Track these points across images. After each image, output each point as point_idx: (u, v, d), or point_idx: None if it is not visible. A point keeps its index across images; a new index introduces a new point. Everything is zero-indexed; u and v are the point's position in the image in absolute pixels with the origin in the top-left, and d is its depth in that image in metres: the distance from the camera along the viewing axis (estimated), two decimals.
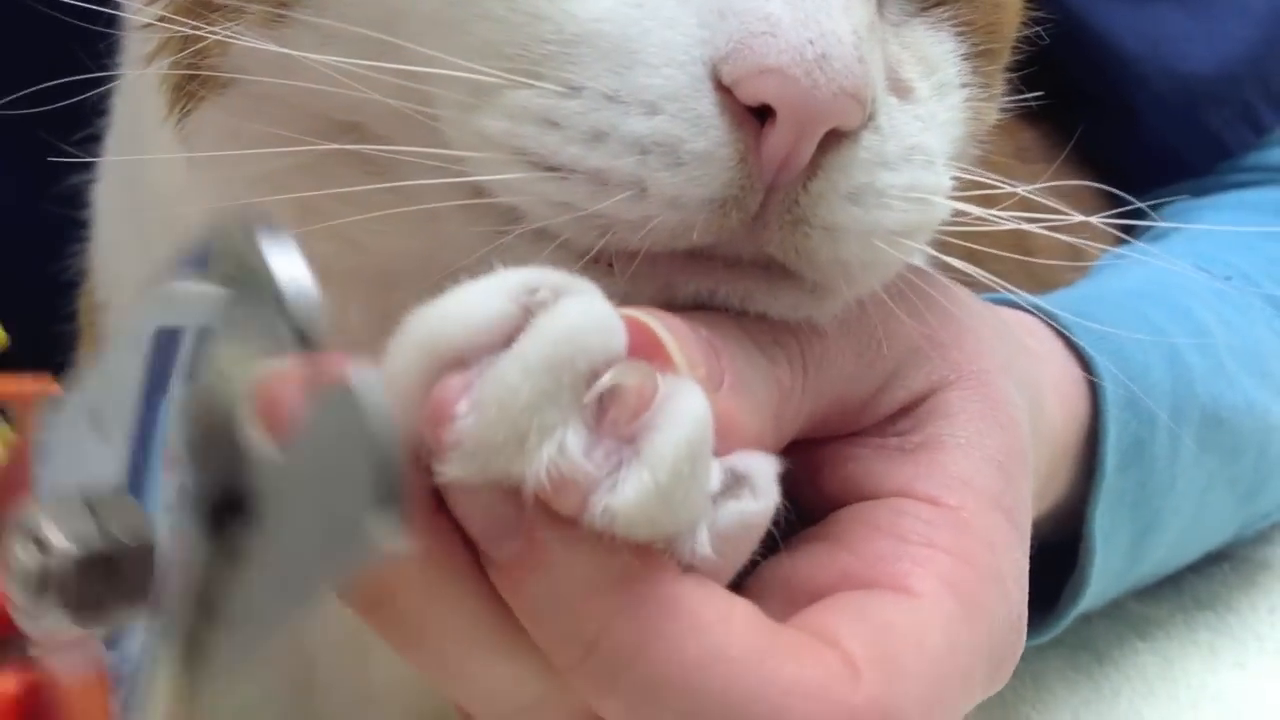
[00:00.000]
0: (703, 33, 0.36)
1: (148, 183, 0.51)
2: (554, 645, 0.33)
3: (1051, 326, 0.53)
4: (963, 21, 0.43)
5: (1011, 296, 0.48)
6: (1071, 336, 0.53)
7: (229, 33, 0.40)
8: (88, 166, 0.57)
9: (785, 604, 0.36)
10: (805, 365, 0.39)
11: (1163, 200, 0.85)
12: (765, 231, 0.37)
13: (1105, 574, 0.56)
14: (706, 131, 0.36)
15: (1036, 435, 0.46)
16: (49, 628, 0.29)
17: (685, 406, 0.32)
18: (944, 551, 0.38)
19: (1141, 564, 0.60)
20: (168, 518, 0.29)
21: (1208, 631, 0.68)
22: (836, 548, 0.38)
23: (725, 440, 0.34)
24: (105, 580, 0.29)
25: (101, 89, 0.47)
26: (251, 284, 0.29)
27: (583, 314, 0.32)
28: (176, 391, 0.30)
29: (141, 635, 0.29)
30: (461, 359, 0.32)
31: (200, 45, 0.41)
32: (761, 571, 0.38)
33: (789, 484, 0.40)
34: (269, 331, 0.28)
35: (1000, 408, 0.42)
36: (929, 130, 0.41)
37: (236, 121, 0.42)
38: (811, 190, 0.37)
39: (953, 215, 0.42)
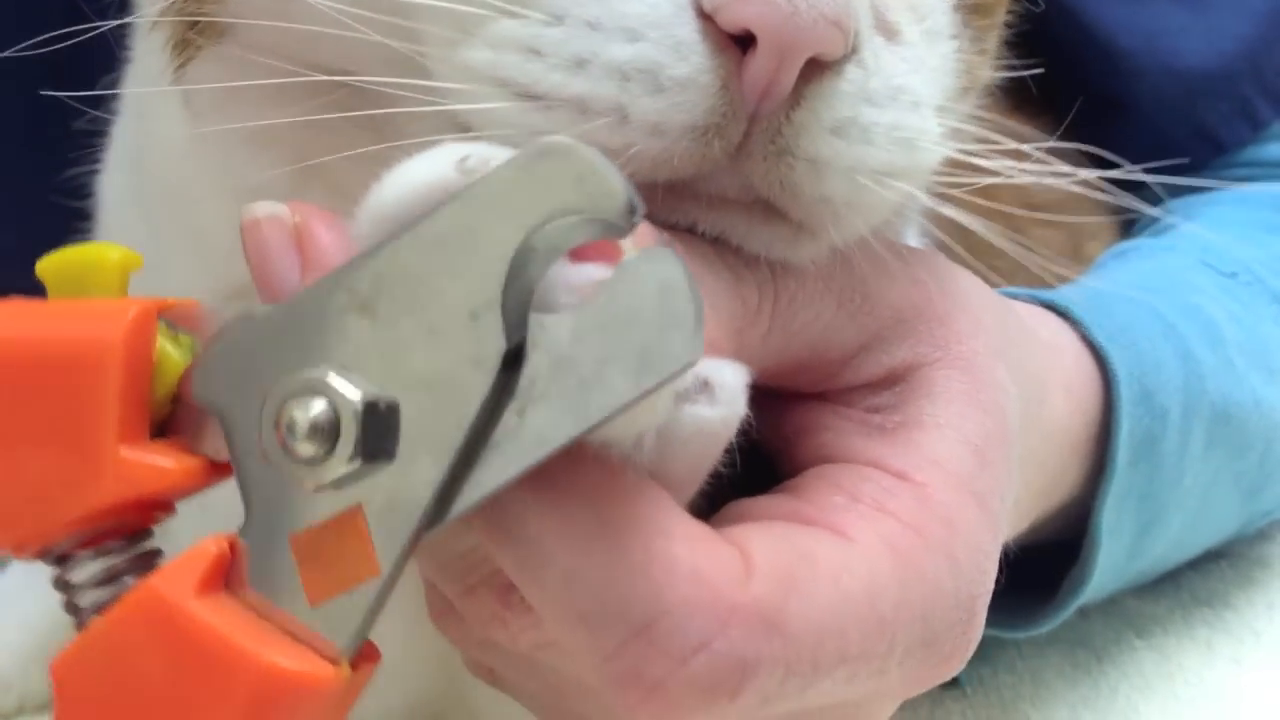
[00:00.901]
0: None
1: (153, 159, 0.51)
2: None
3: (1066, 319, 0.53)
4: None
5: (1028, 291, 0.47)
6: (1086, 331, 0.53)
7: None
8: (91, 158, 0.58)
9: None
10: (776, 293, 0.39)
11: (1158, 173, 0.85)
12: (749, 162, 0.37)
13: (1107, 567, 0.56)
14: (688, 57, 0.36)
15: (1034, 426, 0.46)
16: (334, 473, 0.31)
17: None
18: (893, 516, 0.38)
19: (1143, 557, 0.60)
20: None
21: (1205, 628, 0.68)
22: (793, 495, 0.39)
23: None
24: (380, 427, 0.31)
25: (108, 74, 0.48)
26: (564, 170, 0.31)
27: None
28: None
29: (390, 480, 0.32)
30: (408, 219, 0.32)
31: None
32: (722, 511, 0.38)
33: (768, 450, 0.41)
34: (573, 199, 0.31)
35: (985, 390, 0.42)
36: (916, 73, 0.41)
37: (233, 75, 0.42)
38: (795, 120, 0.37)
39: (953, 169, 0.42)
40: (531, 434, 0.31)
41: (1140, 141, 0.86)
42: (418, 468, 0.31)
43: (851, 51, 0.37)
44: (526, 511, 0.33)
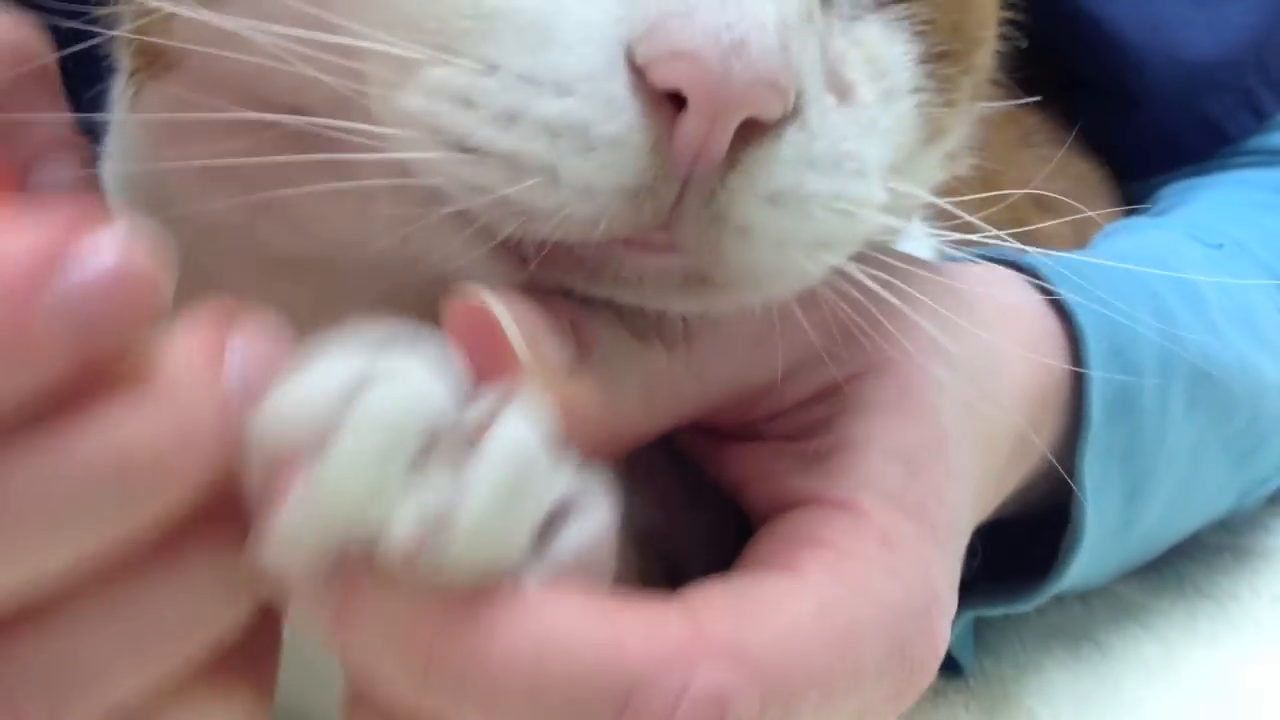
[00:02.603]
0: (620, 11, 0.35)
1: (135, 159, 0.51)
2: (394, 678, 0.33)
3: (1034, 280, 0.53)
4: (923, 20, 0.41)
5: (996, 251, 0.47)
6: (1051, 288, 0.52)
7: (171, 2, 0.39)
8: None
9: None
10: (688, 346, 0.39)
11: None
12: (678, 225, 0.35)
13: (1100, 532, 0.55)
14: (618, 115, 0.34)
15: (991, 398, 0.46)
16: None
17: (500, 456, 0.32)
18: (831, 546, 0.38)
19: (1137, 524, 0.59)
20: None
21: (1209, 621, 0.68)
22: (743, 559, 0.39)
23: (578, 427, 0.34)
24: None
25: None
26: None
27: (384, 405, 0.31)
28: None
29: None
30: (287, 458, 0.31)
31: (149, 17, 0.41)
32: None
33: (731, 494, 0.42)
34: None
35: (913, 395, 0.42)
36: (867, 136, 0.39)
37: (185, 102, 0.42)
38: (729, 186, 0.35)
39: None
40: None
41: (1146, 133, 0.87)
42: None
43: (794, 113, 0.35)
44: (464, 666, 0.32)
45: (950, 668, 0.59)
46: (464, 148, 0.35)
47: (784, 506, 0.41)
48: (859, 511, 0.39)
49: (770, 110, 0.34)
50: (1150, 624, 0.68)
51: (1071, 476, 0.54)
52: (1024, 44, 0.49)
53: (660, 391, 0.39)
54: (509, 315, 0.34)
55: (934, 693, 0.60)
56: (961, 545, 0.44)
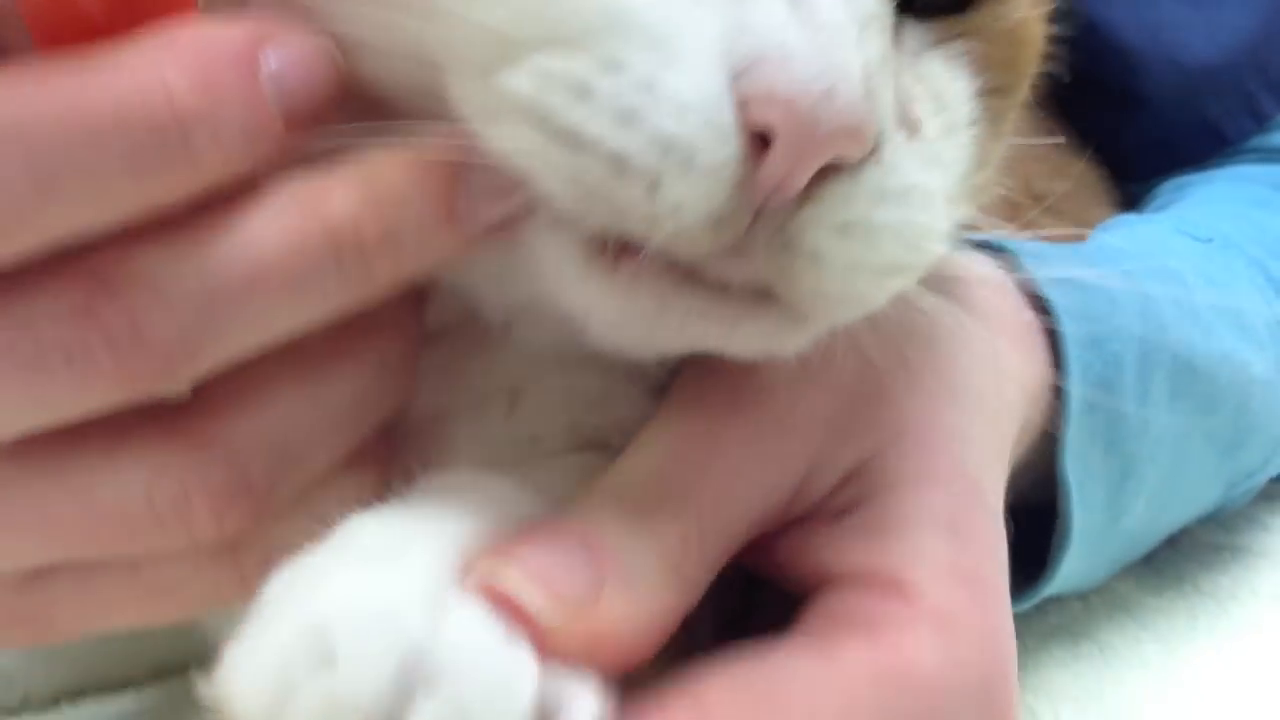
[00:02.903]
0: (726, 40, 0.36)
1: None
2: None
3: (1014, 271, 0.53)
4: (979, 56, 0.42)
5: (977, 236, 0.48)
6: (1029, 278, 0.53)
7: None
8: None
9: None
10: (700, 509, 0.40)
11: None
12: (753, 249, 0.37)
13: (1088, 525, 0.56)
14: (725, 145, 0.35)
15: (1002, 409, 0.47)
16: None
17: None
18: (880, 629, 0.39)
19: (1125, 516, 0.59)
20: None
21: (1209, 620, 0.68)
22: (795, 631, 0.40)
23: (615, 653, 0.36)
24: None
25: None
26: None
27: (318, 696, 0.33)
28: None
29: None
30: None
31: None
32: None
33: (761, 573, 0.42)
34: None
35: (938, 457, 0.43)
36: (931, 169, 0.40)
37: None
38: (801, 216, 0.36)
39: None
40: None
41: (1146, 136, 0.87)
42: None
43: (871, 152, 0.37)
44: None
45: None
46: (568, 137, 0.36)
47: (825, 582, 0.41)
48: (911, 590, 0.40)
49: (852, 155, 0.36)
50: (1150, 623, 0.68)
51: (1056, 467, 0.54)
52: (1066, 77, 0.50)
53: (689, 560, 0.39)
54: (525, 574, 0.36)
55: None
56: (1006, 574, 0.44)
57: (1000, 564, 0.43)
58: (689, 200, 0.35)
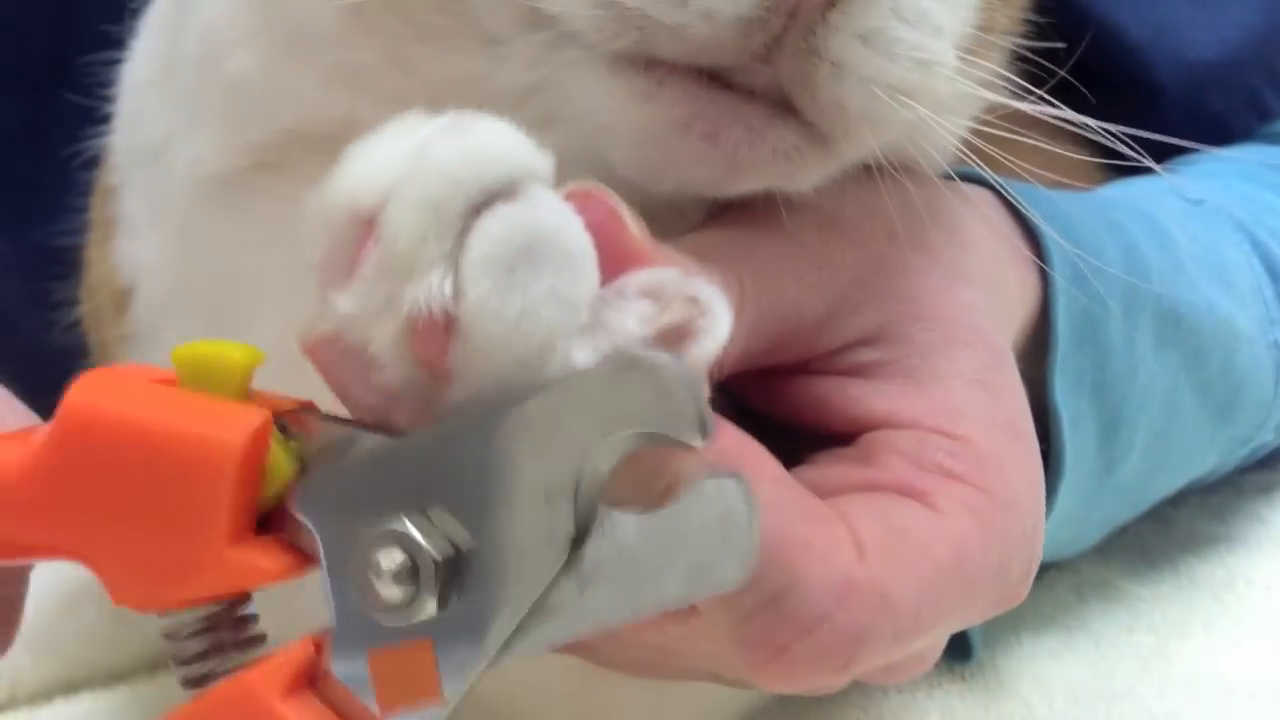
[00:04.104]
0: None
1: (194, 39, 0.51)
2: None
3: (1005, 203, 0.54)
4: None
5: (963, 170, 0.49)
6: (1021, 207, 0.53)
7: None
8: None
9: None
10: (741, 279, 0.41)
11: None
12: (779, 56, 0.39)
13: (1081, 470, 0.56)
14: None
15: (1004, 310, 0.49)
16: (412, 619, 0.34)
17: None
18: (961, 480, 0.41)
19: (1118, 469, 0.59)
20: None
21: (1203, 611, 0.68)
22: (863, 465, 0.42)
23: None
24: (458, 578, 0.34)
25: None
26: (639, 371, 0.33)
27: (452, 150, 0.34)
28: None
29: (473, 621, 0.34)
30: (362, 219, 0.34)
31: None
32: (794, 473, 0.40)
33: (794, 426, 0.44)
34: (652, 413, 0.33)
35: (959, 325, 0.44)
36: (941, 3, 0.42)
37: None
38: (829, 22, 0.39)
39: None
40: (589, 610, 0.33)
41: (1152, 132, 0.87)
42: (488, 619, 0.34)
43: None
44: None
45: (953, 654, 0.60)
46: None
47: (870, 428, 0.43)
48: (969, 441, 0.42)
49: None
50: (1144, 614, 0.68)
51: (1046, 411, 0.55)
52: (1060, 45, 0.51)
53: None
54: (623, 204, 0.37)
55: (929, 683, 0.61)
56: None
57: (1028, 417, 0.45)
58: (719, 6, 0.37)
